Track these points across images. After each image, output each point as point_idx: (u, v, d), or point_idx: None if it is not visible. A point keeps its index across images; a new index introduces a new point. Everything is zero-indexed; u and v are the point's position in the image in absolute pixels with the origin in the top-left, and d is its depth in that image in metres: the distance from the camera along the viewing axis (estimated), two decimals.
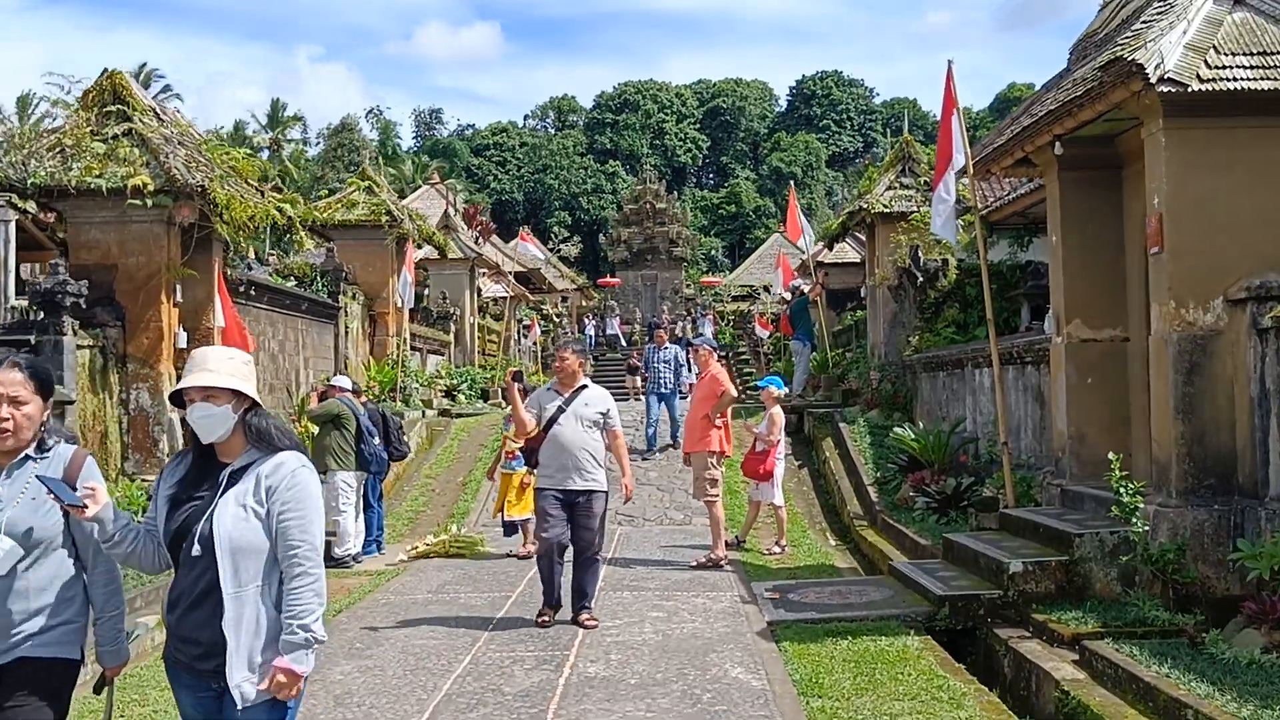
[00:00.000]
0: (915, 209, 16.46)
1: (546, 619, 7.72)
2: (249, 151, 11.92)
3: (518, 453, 10.69)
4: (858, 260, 27.91)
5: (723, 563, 10.14)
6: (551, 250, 57.58)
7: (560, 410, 7.81)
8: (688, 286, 53.35)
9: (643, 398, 16.82)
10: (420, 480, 15.05)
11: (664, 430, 16.06)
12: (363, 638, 7.52)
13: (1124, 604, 7.12)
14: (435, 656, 6.95)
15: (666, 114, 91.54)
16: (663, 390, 15.86)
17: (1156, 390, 7.42)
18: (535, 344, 38.79)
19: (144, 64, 59.42)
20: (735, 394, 10.23)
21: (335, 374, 17.58)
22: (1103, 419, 9.01)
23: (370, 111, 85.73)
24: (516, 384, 7.82)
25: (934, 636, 7.37)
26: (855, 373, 17.45)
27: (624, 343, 41.79)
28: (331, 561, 10.73)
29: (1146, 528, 6.94)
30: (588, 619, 7.66)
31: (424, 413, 18.32)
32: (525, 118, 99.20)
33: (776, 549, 11.02)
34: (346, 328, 17.91)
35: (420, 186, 41.89)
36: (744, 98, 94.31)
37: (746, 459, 11.20)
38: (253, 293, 13.87)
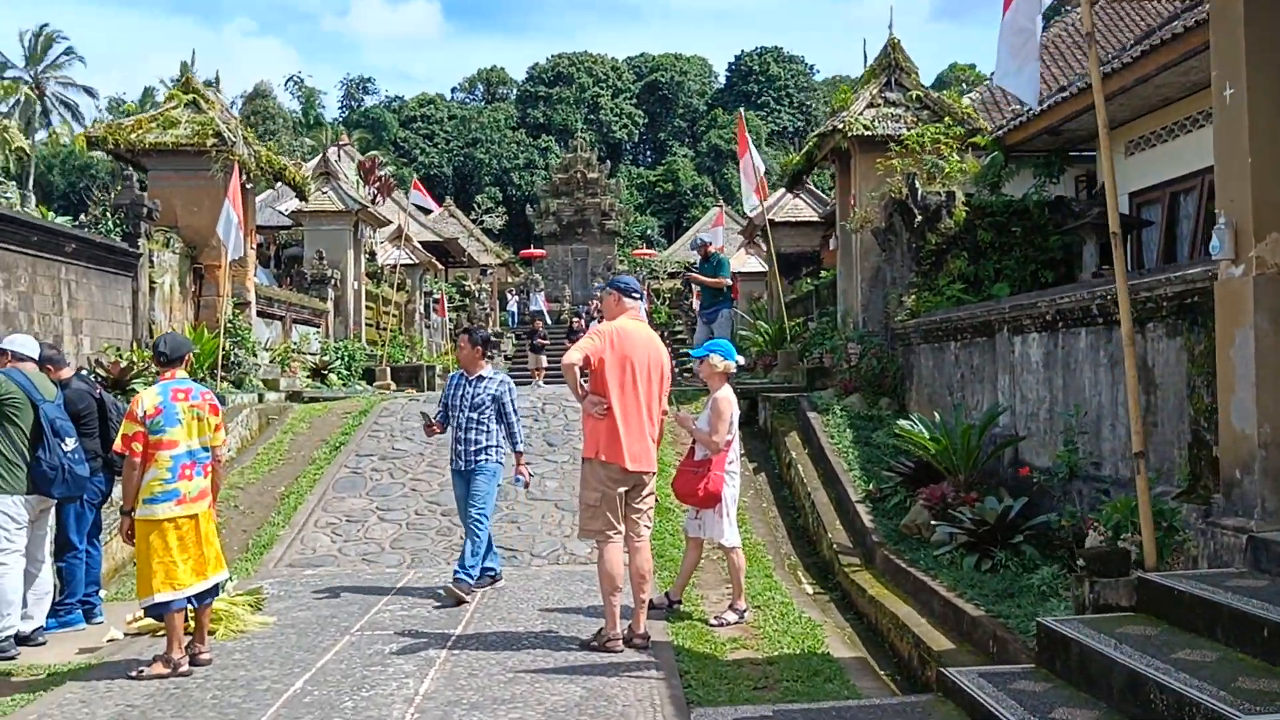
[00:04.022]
0: (905, 129, 12.41)
1: None
2: None
3: (166, 480, 5.80)
4: (814, 219, 23.92)
5: (637, 644, 6.07)
6: (475, 222, 53.45)
7: None
8: (621, 262, 49.02)
9: (541, 383, 10.74)
10: (223, 491, 10.61)
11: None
12: None
13: None
14: None
15: (602, 88, 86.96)
16: (459, 464, 7.93)
17: None
18: (448, 320, 34.63)
19: (45, 25, 55.17)
20: (574, 360, 6.02)
21: (137, 342, 13.20)
22: None
23: (290, 79, 79.79)
24: None
25: None
26: (827, 345, 13.35)
27: (549, 321, 37.54)
28: None
29: None
30: None
31: (261, 396, 13.90)
32: (453, 90, 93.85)
33: (731, 616, 6.87)
34: (153, 282, 13.43)
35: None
36: (683, 73, 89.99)
37: (679, 473, 7.05)
38: None
